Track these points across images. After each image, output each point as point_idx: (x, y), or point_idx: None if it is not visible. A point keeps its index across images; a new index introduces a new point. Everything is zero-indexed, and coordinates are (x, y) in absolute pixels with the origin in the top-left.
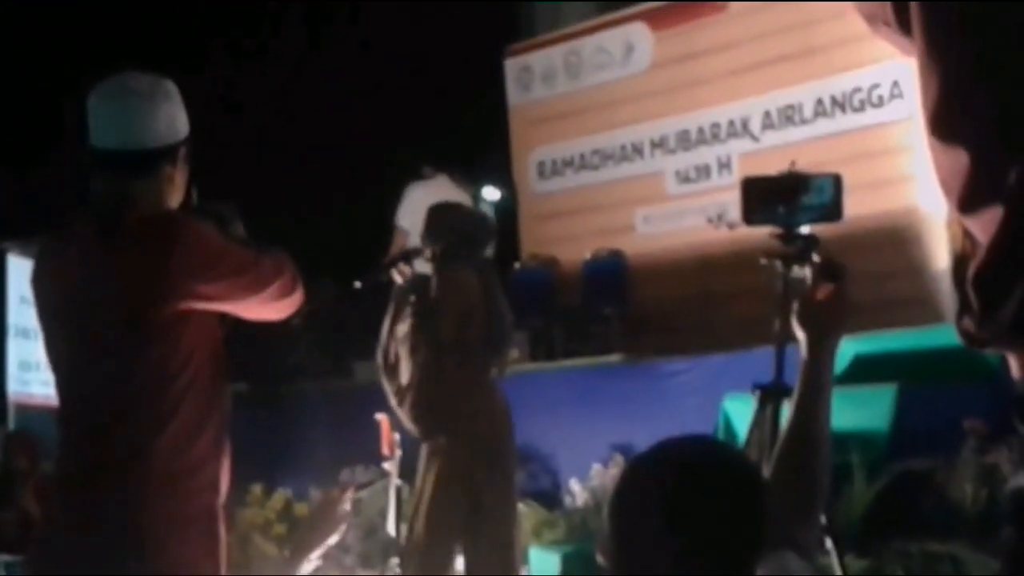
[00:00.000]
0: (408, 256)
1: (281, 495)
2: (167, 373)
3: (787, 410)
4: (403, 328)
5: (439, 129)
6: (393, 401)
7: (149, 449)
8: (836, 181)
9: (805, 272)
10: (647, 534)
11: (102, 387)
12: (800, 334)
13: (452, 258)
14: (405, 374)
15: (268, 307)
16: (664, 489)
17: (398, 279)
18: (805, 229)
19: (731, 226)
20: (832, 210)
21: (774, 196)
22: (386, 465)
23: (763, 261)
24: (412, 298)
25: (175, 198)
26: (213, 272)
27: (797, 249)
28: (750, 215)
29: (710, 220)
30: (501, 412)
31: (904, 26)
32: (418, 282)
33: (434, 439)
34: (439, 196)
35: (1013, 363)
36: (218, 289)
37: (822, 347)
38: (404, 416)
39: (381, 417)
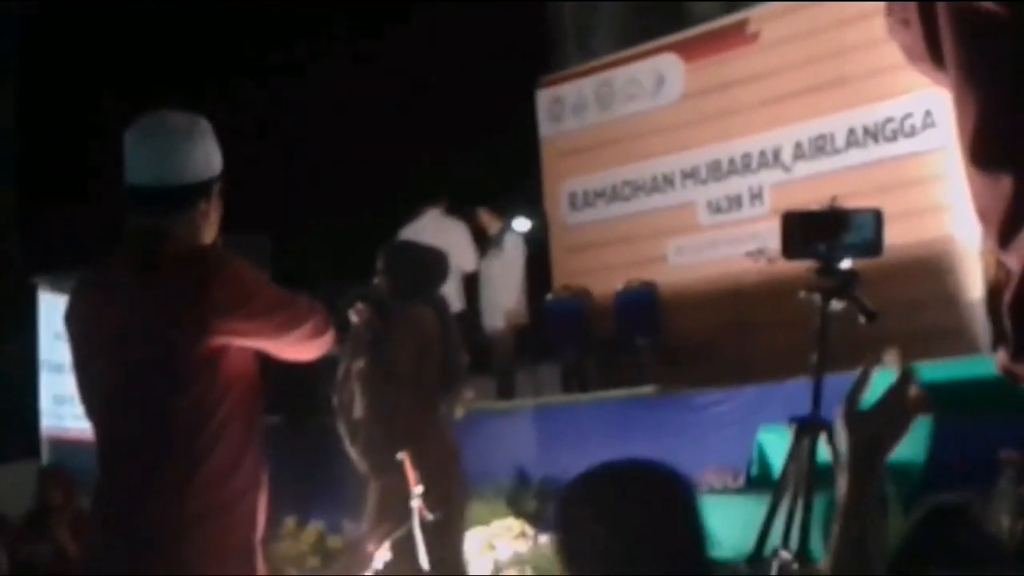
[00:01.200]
0: (364, 296)
1: (314, 527)
2: (205, 408)
3: (822, 444)
4: (358, 364)
5: (471, 160)
6: (346, 440)
7: (188, 484)
8: (877, 217)
9: (843, 306)
10: (589, 543)
11: (140, 422)
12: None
13: (408, 295)
14: (359, 410)
15: (301, 346)
16: (602, 502)
17: (354, 319)
18: (845, 263)
19: (771, 260)
20: (873, 246)
21: (815, 231)
22: (412, 502)
23: (802, 294)
24: (369, 335)
25: (210, 233)
26: (249, 308)
27: (836, 284)
28: (790, 250)
29: (749, 253)
30: (450, 452)
31: (937, 58)
32: (374, 319)
33: (382, 475)
34: (434, 230)
35: None
36: (253, 325)
37: (885, 451)
38: (355, 453)
39: (403, 455)
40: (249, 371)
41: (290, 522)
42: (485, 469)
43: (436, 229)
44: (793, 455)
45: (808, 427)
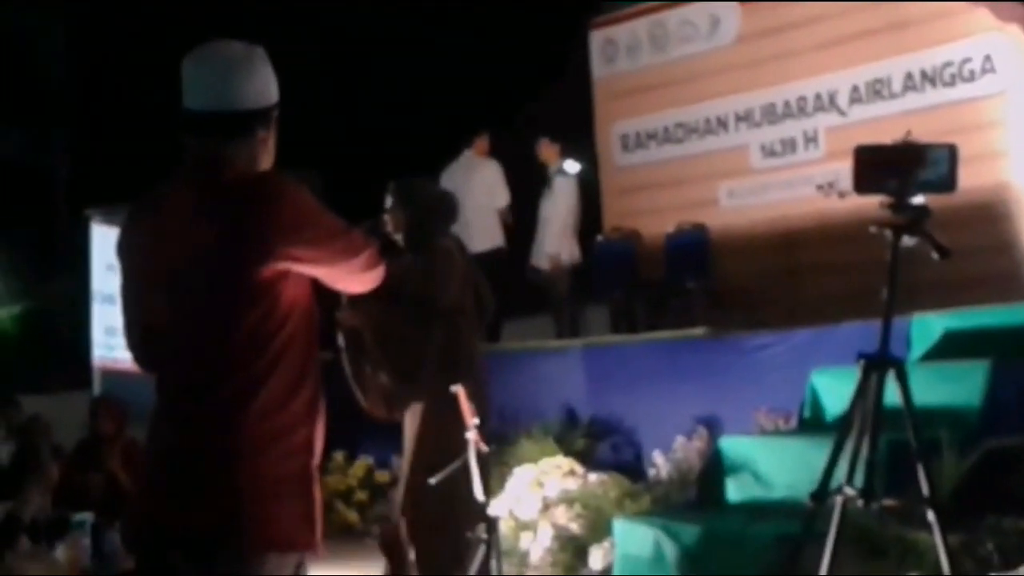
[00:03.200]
0: (374, 228)
1: (363, 463)
2: (265, 333)
3: (892, 381)
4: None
5: (526, 100)
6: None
7: (246, 410)
8: (952, 152)
9: (915, 242)
10: None
11: (200, 347)
12: None
13: (426, 232)
14: (400, 346)
15: (355, 277)
16: None
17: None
18: (918, 199)
19: (842, 195)
20: (947, 181)
21: (887, 166)
22: (468, 434)
23: (873, 230)
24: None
25: (267, 161)
26: (308, 233)
27: (908, 219)
28: (862, 184)
29: (820, 187)
30: (487, 388)
31: None
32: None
33: (436, 409)
34: (465, 170)
35: None
36: (312, 251)
37: None
38: (392, 373)
39: (457, 388)
40: (306, 299)
41: (339, 456)
42: (535, 407)
43: (467, 169)
44: (860, 392)
45: (876, 364)
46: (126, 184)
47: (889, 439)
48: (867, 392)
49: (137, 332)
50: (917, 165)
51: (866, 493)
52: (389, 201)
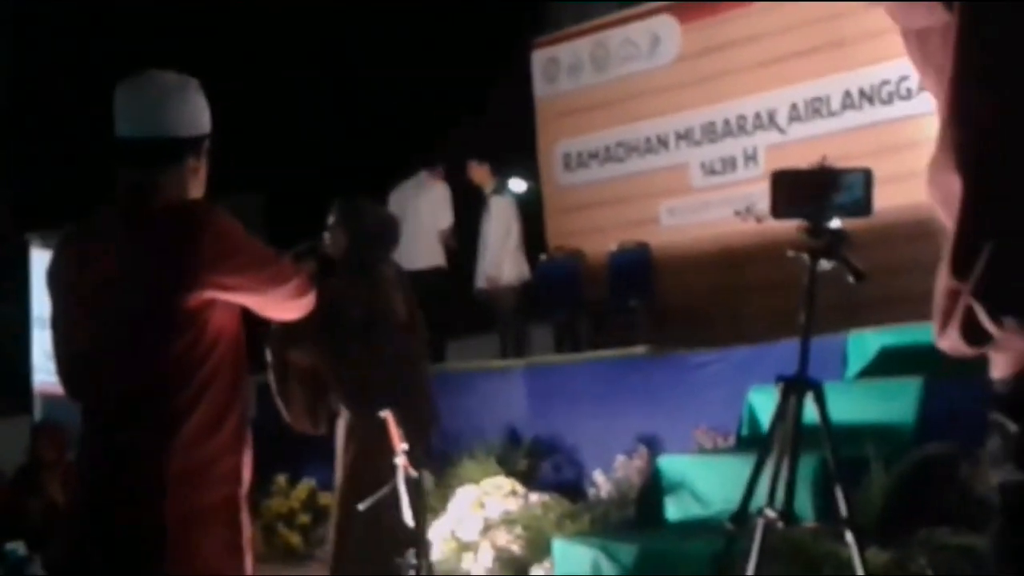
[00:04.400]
0: (312, 249)
1: (306, 485)
2: (190, 362)
3: (810, 403)
4: (346, 315)
5: (467, 121)
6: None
7: (171, 440)
8: (867, 176)
9: (832, 266)
10: None
11: (125, 376)
12: None
13: (367, 254)
14: (341, 363)
15: (285, 306)
16: None
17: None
18: (835, 223)
19: (759, 219)
20: (862, 206)
21: (804, 190)
22: (396, 460)
23: (791, 254)
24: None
25: (197, 190)
26: (235, 262)
27: (825, 243)
28: (779, 208)
29: (738, 212)
30: (434, 412)
31: None
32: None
33: (368, 430)
34: (415, 190)
35: (998, 360)
36: (239, 280)
37: None
38: (344, 395)
39: (386, 414)
40: (234, 328)
41: (281, 479)
42: (478, 427)
43: (417, 188)
44: (780, 414)
45: (795, 386)
46: (66, 208)
47: (823, 457)
48: (786, 414)
49: (65, 359)
50: (832, 190)
51: (786, 515)
52: (331, 219)
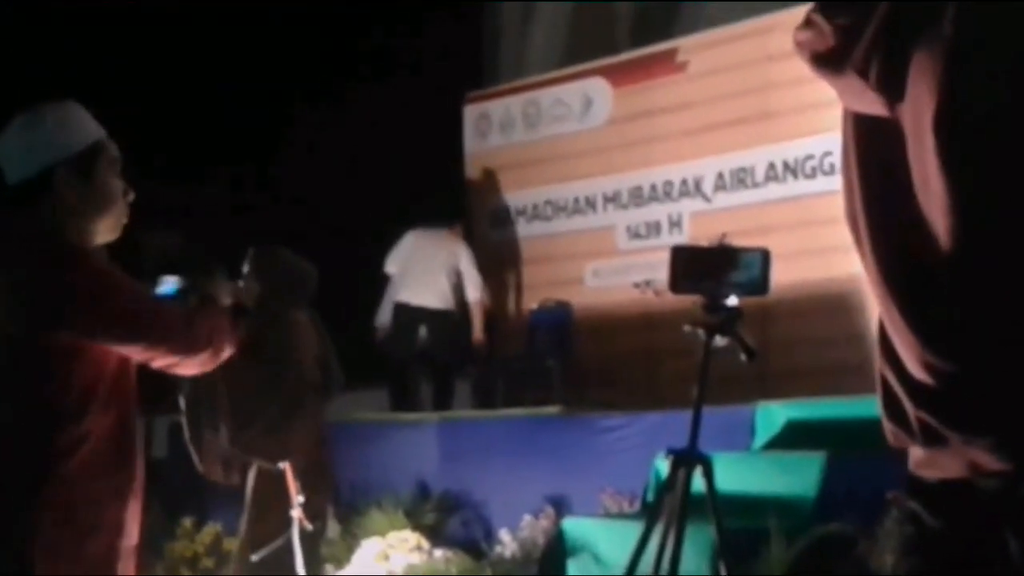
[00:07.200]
0: (192, 288)
1: (211, 529)
2: (63, 408)
3: (699, 476)
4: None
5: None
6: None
7: (43, 484)
8: (764, 256)
9: (726, 343)
10: None
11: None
12: None
13: (280, 303)
14: (244, 412)
15: (170, 359)
16: None
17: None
18: (731, 300)
19: (657, 292)
20: (759, 285)
21: (702, 267)
22: (292, 512)
23: (687, 328)
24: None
25: (74, 223)
26: (99, 308)
27: (721, 320)
28: (677, 283)
29: (636, 285)
30: (328, 464)
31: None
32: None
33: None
34: (433, 243)
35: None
36: (103, 326)
37: None
38: (245, 444)
39: (284, 466)
40: (116, 370)
41: (187, 522)
42: (388, 479)
43: (437, 239)
44: (668, 485)
45: (684, 459)
46: None
47: (702, 528)
48: (675, 486)
49: None
50: (731, 268)
51: None
52: (246, 268)
